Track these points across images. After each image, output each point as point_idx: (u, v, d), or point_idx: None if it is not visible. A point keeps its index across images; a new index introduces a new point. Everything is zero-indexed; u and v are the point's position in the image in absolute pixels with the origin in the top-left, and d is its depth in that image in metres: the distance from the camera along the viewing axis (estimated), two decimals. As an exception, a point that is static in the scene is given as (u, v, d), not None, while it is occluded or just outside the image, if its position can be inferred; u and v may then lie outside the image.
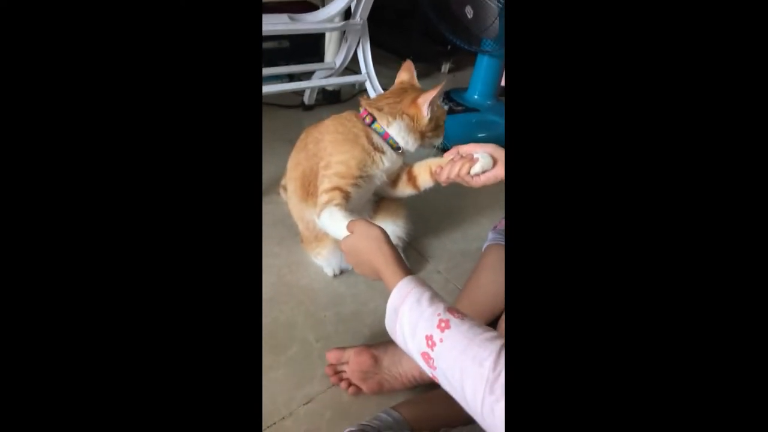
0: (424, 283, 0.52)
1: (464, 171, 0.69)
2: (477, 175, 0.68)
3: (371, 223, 0.60)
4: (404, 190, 0.83)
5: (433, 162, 0.77)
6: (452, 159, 0.72)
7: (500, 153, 0.68)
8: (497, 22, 1.17)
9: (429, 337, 0.46)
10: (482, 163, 0.68)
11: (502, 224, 0.90)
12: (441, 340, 0.45)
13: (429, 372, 0.48)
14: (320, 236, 0.83)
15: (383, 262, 0.55)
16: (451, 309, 0.48)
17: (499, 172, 0.67)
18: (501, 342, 0.43)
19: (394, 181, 0.83)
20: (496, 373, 0.40)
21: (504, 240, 0.86)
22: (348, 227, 0.61)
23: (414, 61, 1.87)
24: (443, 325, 0.46)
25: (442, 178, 0.73)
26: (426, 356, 0.47)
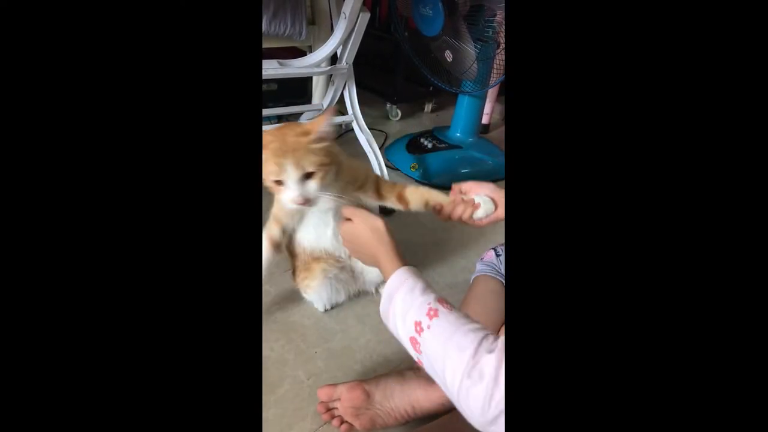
0: (420, 275, 0.55)
1: (467, 215, 0.69)
2: (480, 219, 0.69)
3: (371, 213, 0.62)
4: (393, 204, 0.78)
5: (432, 196, 0.74)
6: (453, 200, 0.71)
7: (499, 194, 0.69)
8: (475, 64, 1.25)
9: (418, 323, 0.49)
10: (485, 208, 0.68)
11: (489, 255, 0.92)
12: (429, 327, 0.48)
13: (415, 356, 0.50)
14: (309, 266, 0.82)
15: (383, 252, 0.58)
16: (441, 300, 0.51)
17: (500, 213, 0.68)
18: (483, 333, 0.46)
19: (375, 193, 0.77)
20: (475, 360, 0.43)
21: (491, 271, 0.88)
22: (347, 213, 0.64)
23: (398, 101, 1.95)
24: (432, 313, 0.49)
25: (443, 217, 0.73)
26: (414, 341, 0.49)
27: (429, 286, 0.53)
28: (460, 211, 0.70)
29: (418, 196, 0.75)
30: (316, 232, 0.77)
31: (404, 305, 0.51)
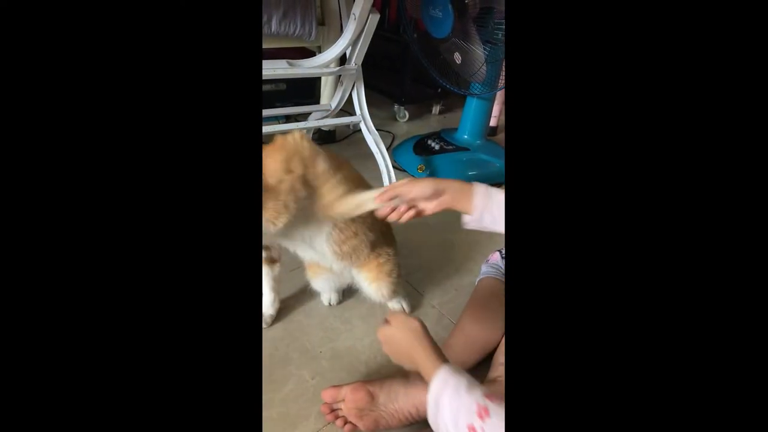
0: (461, 371, 0.54)
1: (405, 219, 0.65)
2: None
3: (410, 316, 0.63)
4: None
5: (354, 209, 0.69)
6: (390, 206, 0.65)
7: (441, 186, 0.64)
8: (485, 67, 1.24)
9: (471, 428, 0.48)
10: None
11: (494, 257, 0.92)
12: (483, 430, 0.47)
13: None
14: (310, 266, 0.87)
15: (422, 353, 0.58)
16: (489, 395, 0.50)
17: (448, 200, 0.63)
18: None
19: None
20: None
21: (497, 273, 0.87)
22: (388, 317, 0.64)
23: (406, 103, 1.95)
24: (483, 413, 0.47)
25: (382, 217, 0.67)
26: None
27: (473, 382, 0.52)
28: (396, 217, 0.65)
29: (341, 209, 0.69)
30: (304, 252, 0.79)
31: (452, 409, 0.50)
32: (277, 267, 0.83)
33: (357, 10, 1.04)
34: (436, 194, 0.63)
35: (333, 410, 0.68)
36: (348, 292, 0.92)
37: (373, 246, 0.80)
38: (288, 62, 1.05)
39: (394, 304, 0.89)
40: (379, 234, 0.82)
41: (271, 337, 0.82)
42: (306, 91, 1.67)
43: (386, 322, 0.64)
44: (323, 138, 1.56)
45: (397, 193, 0.64)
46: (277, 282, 0.84)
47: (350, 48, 1.14)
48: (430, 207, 0.64)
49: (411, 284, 0.98)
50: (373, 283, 0.81)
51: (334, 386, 0.68)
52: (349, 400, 0.66)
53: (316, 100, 1.51)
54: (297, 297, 0.91)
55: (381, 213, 0.66)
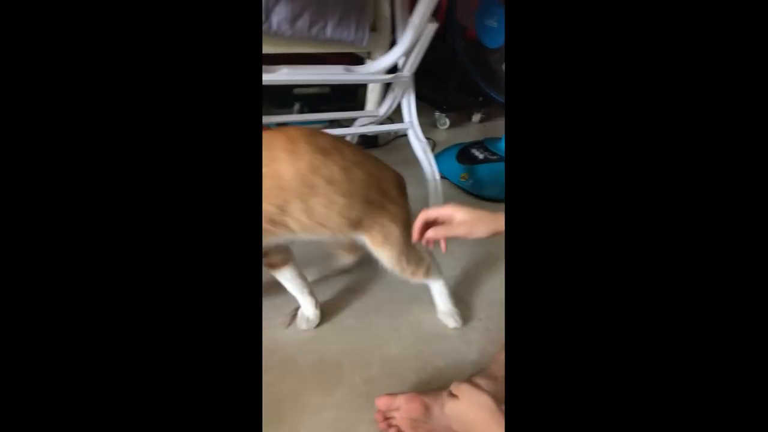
0: None
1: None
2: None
3: (478, 387, 0.57)
4: None
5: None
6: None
7: (501, 227, 0.64)
8: (536, 79, 1.23)
9: None
10: None
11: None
12: None
13: None
14: None
15: None
16: None
17: (459, 230, 0.66)
18: None
19: None
20: None
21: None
22: (453, 389, 0.59)
23: (447, 110, 1.94)
24: None
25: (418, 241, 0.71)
26: None
27: None
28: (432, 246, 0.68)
29: None
30: None
31: None
32: (291, 268, 0.81)
33: (416, 18, 1.04)
34: (489, 235, 0.65)
35: (386, 418, 0.68)
36: (396, 300, 0.93)
37: (358, 223, 0.74)
38: (345, 68, 1.07)
39: (447, 319, 0.89)
40: (364, 207, 0.74)
41: (321, 339, 0.83)
42: (349, 94, 1.69)
43: (451, 395, 0.58)
44: (366, 143, 1.58)
45: (456, 234, 0.66)
46: (303, 282, 0.82)
47: (404, 57, 1.14)
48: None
49: (458, 296, 0.97)
50: (377, 249, 0.79)
51: (389, 394, 0.69)
52: (404, 410, 0.66)
53: (358, 103, 1.52)
54: (342, 298, 0.92)
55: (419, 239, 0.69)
